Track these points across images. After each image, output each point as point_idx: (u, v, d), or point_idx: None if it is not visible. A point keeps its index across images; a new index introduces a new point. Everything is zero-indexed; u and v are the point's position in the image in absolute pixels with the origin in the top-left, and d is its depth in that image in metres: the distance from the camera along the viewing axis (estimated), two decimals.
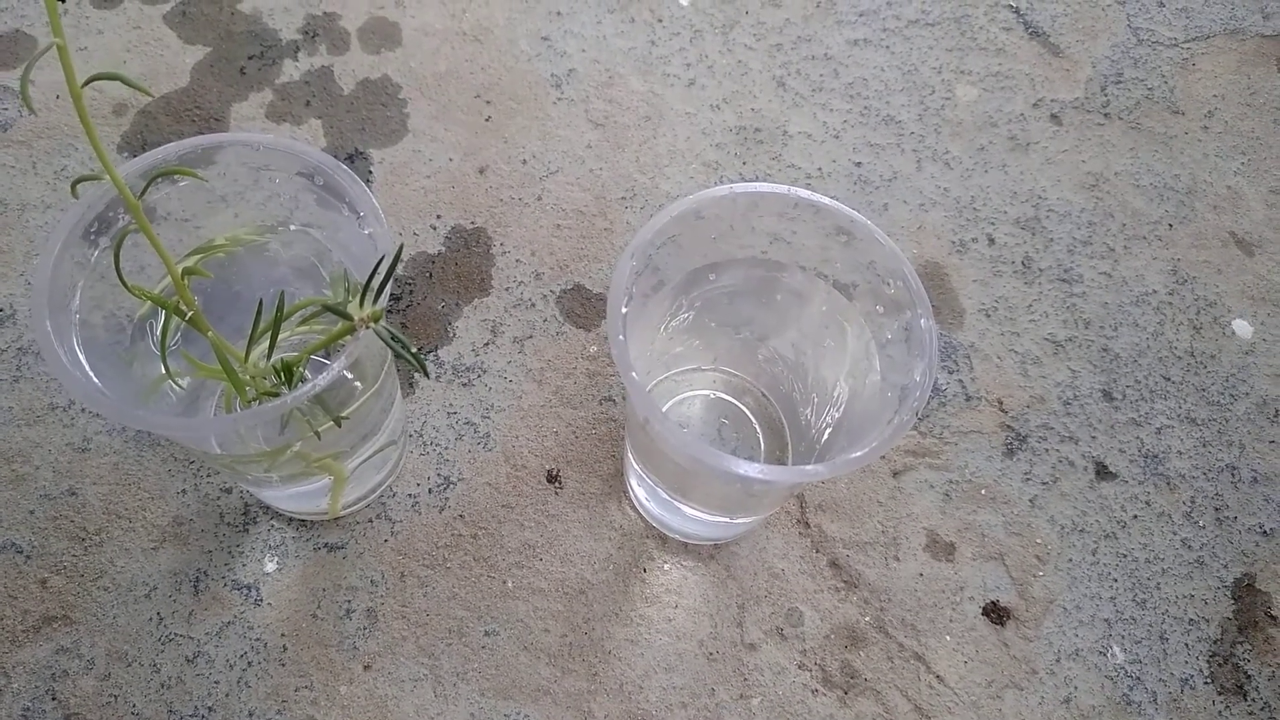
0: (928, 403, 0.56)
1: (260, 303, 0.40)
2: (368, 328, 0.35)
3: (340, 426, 0.40)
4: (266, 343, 0.40)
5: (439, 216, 0.58)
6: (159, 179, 0.41)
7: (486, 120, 0.62)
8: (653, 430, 0.36)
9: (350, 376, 0.43)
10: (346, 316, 0.35)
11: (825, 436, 0.45)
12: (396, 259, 0.35)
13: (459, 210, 0.59)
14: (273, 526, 0.50)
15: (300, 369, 0.42)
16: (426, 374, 0.36)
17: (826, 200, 0.40)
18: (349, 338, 0.36)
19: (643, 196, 0.61)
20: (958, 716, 0.48)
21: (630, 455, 0.49)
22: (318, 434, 0.40)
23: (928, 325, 0.37)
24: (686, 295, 0.44)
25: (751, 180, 0.62)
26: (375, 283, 0.35)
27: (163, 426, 0.35)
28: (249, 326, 0.39)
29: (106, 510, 0.50)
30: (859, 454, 0.35)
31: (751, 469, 0.34)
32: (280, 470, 0.43)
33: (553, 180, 0.60)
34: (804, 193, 0.40)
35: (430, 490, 0.51)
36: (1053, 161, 0.66)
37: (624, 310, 0.37)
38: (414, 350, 0.35)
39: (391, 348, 0.35)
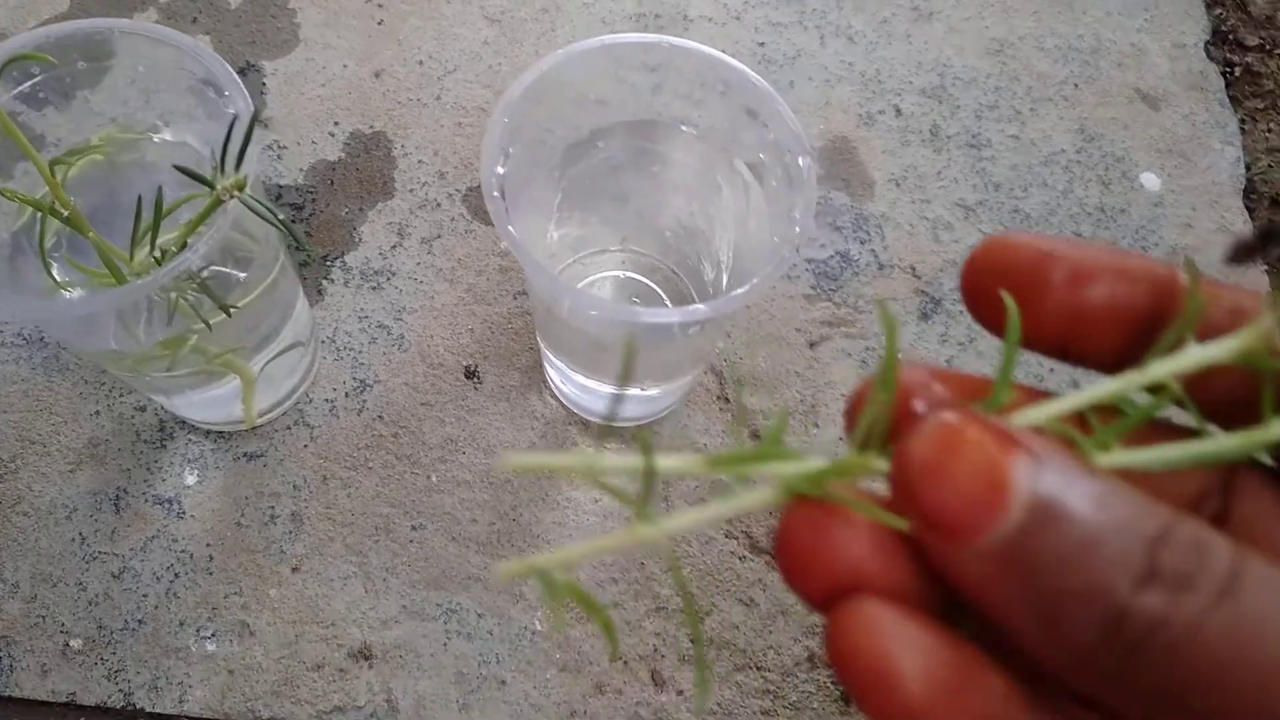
0: (841, 274, 0.56)
1: (139, 200, 0.40)
2: (232, 197, 0.34)
3: (230, 315, 0.39)
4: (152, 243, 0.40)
5: (336, 123, 0.57)
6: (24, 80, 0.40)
7: (379, 24, 0.61)
8: (531, 288, 0.36)
9: (234, 270, 0.42)
10: (208, 184, 0.34)
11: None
12: (253, 122, 0.34)
13: (357, 116, 0.58)
14: (190, 440, 0.49)
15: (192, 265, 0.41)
16: (301, 246, 0.35)
17: (701, 47, 0.40)
18: (219, 211, 0.35)
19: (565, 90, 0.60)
20: None
21: (539, 340, 0.48)
22: (207, 324, 0.39)
23: (806, 164, 0.37)
24: (567, 172, 0.44)
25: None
26: (236, 151, 0.34)
27: (48, 311, 0.34)
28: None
29: (20, 437, 0.49)
30: (740, 291, 0.35)
31: (626, 311, 0.34)
32: (182, 368, 0.43)
33: (451, 79, 0.59)
34: (676, 40, 0.39)
35: (347, 394, 0.51)
36: (956, 29, 0.66)
37: (500, 170, 0.37)
38: (281, 218, 0.35)
39: (260, 214, 0.34)
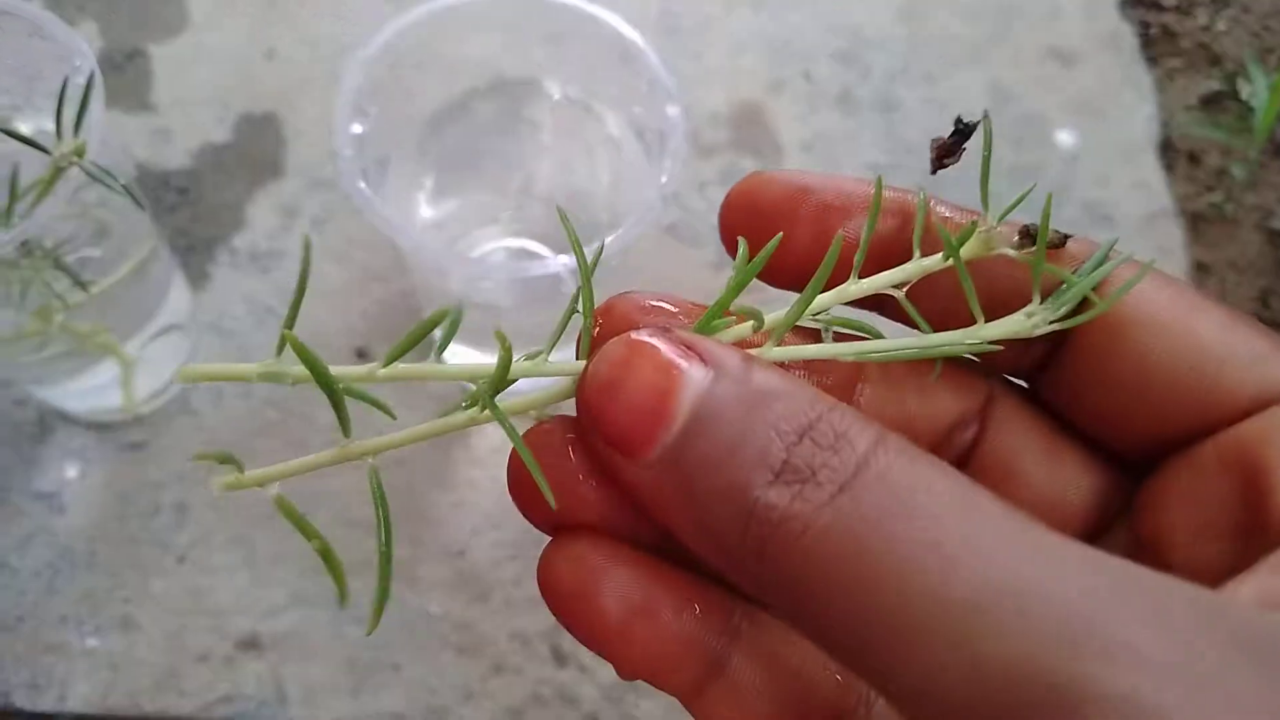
0: None
1: None
2: (71, 164, 0.33)
3: (86, 291, 0.38)
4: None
5: (226, 105, 0.56)
6: None
7: (272, 4, 0.59)
8: (410, 263, 0.35)
9: (98, 251, 0.41)
10: (43, 150, 0.32)
11: None
12: (90, 83, 0.33)
13: (247, 97, 0.56)
14: (72, 433, 0.48)
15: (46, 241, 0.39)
16: (142, 206, 0.34)
17: (572, 2, 0.39)
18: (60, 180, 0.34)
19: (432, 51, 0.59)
20: None
21: (425, 313, 0.47)
22: (63, 300, 0.38)
23: (674, 113, 0.36)
24: (439, 139, 0.43)
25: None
26: (78, 116, 0.33)
27: None
28: None
29: None
30: (608, 239, 0.34)
31: (473, 265, 0.33)
32: (54, 349, 0.41)
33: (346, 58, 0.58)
34: None
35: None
36: None
37: (357, 129, 0.35)
38: (124, 183, 0.33)
39: (100, 181, 0.33)
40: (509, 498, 0.48)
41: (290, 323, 0.17)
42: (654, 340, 0.16)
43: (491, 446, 0.49)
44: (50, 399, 0.47)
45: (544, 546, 0.19)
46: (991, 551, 0.13)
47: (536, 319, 0.43)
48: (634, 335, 0.16)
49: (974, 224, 0.19)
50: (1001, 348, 0.19)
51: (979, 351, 0.19)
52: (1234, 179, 0.62)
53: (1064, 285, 0.19)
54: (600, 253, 0.19)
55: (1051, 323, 0.19)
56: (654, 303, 0.19)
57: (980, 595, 0.13)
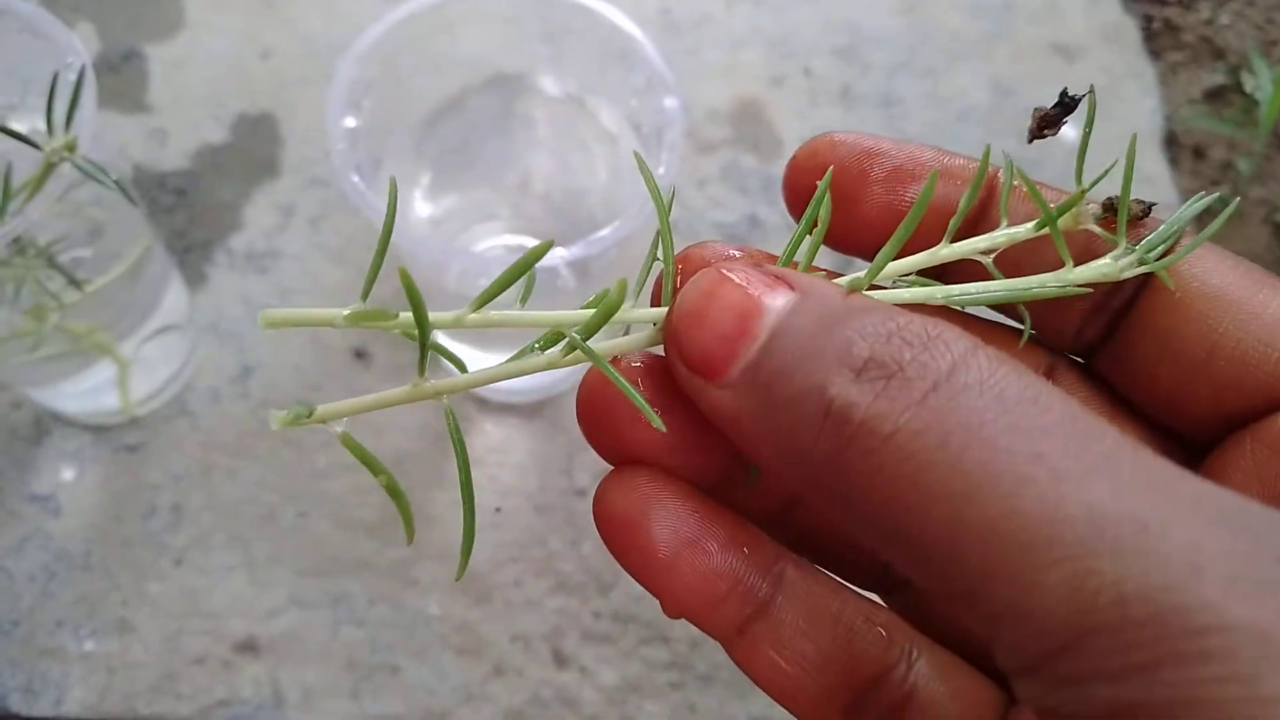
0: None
1: None
2: (62, 160, 0.32)
3: (80, 289, 0.38)
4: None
5: (222, 105, 0.56)
6: None
7: (267, 4, 0.59)
8: (408, 260, 0.34)
9: (90, 251, 0.40)
10: (34, 146, 0.32)
11: None
12: (81, 78, 0.32)
13: (243, 98, 0.56)
14: (67, 435, 0.47)
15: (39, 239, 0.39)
16: (134, 202, 0.33)
17: None
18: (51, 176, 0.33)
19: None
20: None
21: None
22: (57, 299, 0.37)
23: (671, 105, 0.36)
24: (435, 136, 0.42)
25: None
26: (68, 112, 0.33)
27: None
28: None
29: None
30: (604, 233, 0.33)
31: (462, 257, 0.32)
32: (49, 347, 0.41)
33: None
34: None
35: (231, 380, 0.49)
36: None
37: (351, 123, 0.35)
38: (116, 178, 0.33)
39: (91, 175, 0.33)
40: (508, 499, 0.47)
41: (379, 259, 0.18)
42: (742, 269, 0.16)
43: (490, 446, 0.49)
44: (46, 401, 0.47)
45: (601, 482, 0.19)
46: (1107, 473, 0.13)
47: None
48: (723, 267, 0.17)
49: (1081, 193, 0.19)
50: (1090, 289, 0.19)
51: (1066, 295, 0.19)
52: (1239, 173, 0.62)
53: (1146, 237, 0.19)
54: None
55: (1139, 265, 0.19)
56: (732, 252, 0.19)
57: (1095, 515, 0.12)
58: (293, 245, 0.52)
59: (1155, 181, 0.60)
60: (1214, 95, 0.66)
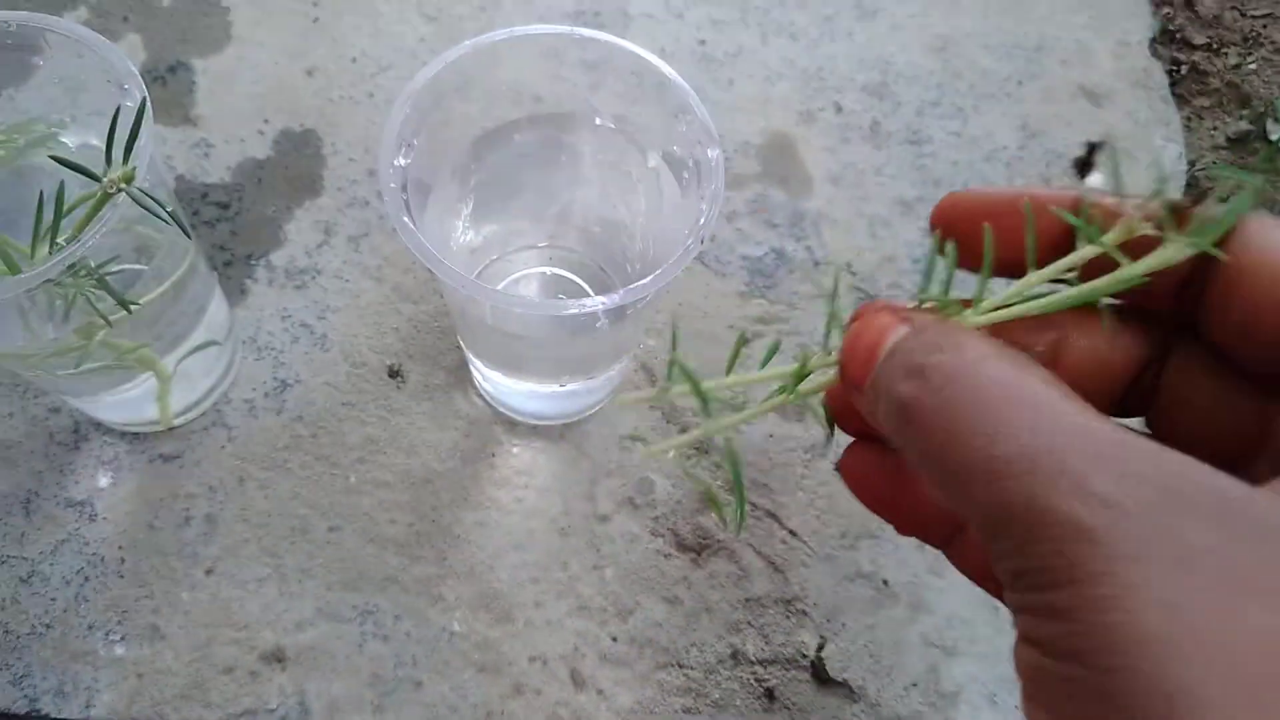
0: (776, 271, 0.56)
1: (41, 196, 0.39)
2: (120, 190, 0.33)
3: (130, 312, 0.39)
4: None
5: (266, 121, 0.57)
6: None
7: (314, 21, 0.60)
8: (442, 286, 0.35)
9: (141, 265, 0.41)
10: (94, 177, 0.33)
11: None
12: (142, 111, 0.33)
13: (287, 114, 0.57)
14: (105, 442, 0.49)
15: (90, 261, 0.40)
16: (188, 235, 0.34)
17: (611, 38, 0.39)
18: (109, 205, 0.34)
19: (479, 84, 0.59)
20: (811, 569, 0.48)
21: (459, 338, 0.48)
22: (106, 320, 0.38)
23: (714, 155, 0.37)
24: (480, 166, 0.43)
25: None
26: (127, 143, 0.34)
27: None
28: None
29: None
30: (644, 281, 0.34)
31: (516, 301, 0.33)
32: (93, 361, 0.42)
33: (385, 76, 0.59)
34: (586, 31, 0.39)
35: (267, 394, 0.50)
36: (900, 27, 0.66)
37: (401, 162, 0.36)
38: (170, 210, 0.34)
39: (146, 209, 0.34)
40: (532, 521, 0.48)
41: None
42: (877, 312, 0.23)
43: (516, 468, 0.50)
44: (85, 408, 0.48)
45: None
46: (1049, 422, 0.18)
47: (578, 351, 0.43)
48: (867, 311, 0.23)
49: (1124, 220, 0.22)
50: (1149, 279, 0.21)
51: (1135, 286, 0.22)
52: None
53: (1201, 221, 0.21)
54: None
55: (1186, 247, 0.21)
56: (887, 305, 0.24)
57: (1019, 453, 0.18)
58: (332, 263, 0.53)
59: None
60: (1238, 142, 0.67)
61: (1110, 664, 0.15)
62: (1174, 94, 0.66)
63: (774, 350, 0.27)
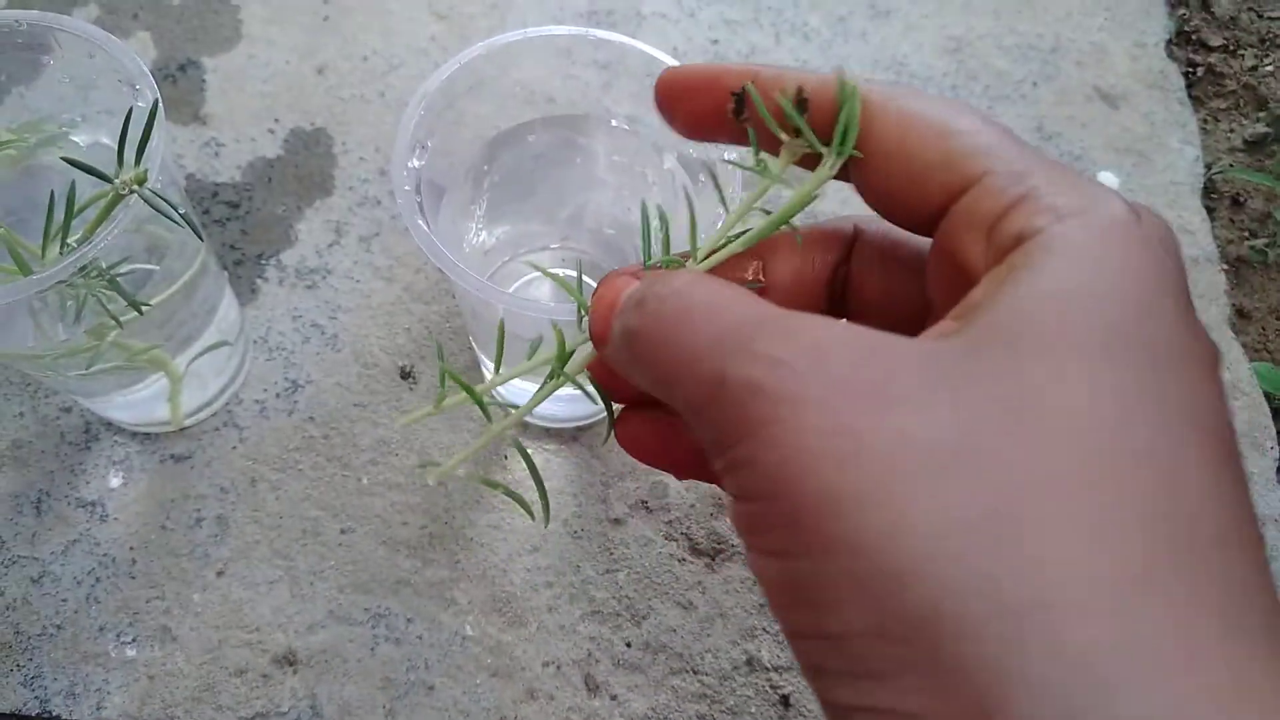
0: None
1: (52, 196, 0.39)
2: (132, 191, 0.33)
3: (141, 313, 0.38)
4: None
5: (277, 120, 0.56)
6: None
7: (324, 20, 0.60)
8: (454, 287, 0.35)
9: (152, 266, 0.41)
10: (106, 179, 0.33)
11: None
12: (154, 113, 0.33)
13: (298, 112, 0.57)
14: (116, 442, 0.48)
15: (102, 262, 0.40)
16: (200, 238, 0.34)
17: (623, 39, 0.39)
18: (121, 206, 0.34)
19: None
20: None
21: (471, 339, 0.47)
22: (117, 321, 0.38)
23: (731, 158, 0.36)
24: (494, 167, 0.43)
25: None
26: (140, 144, 0.33)
27: None
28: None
29: None
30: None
31: (513, 301, 0.33)
32: (104, 362, 0.42)
33: (395, 75, 0.59)
34: (600, 33, 0.39)
35: (278, 395, 0.50)
36: (914, 27, 0.65)
37: (415, 164, 0.36)
38: (183, 213, 0.34)
39: (159, 210, 0.33)
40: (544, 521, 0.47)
41: None
42: (611, 279, 0.25)
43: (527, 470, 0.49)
44: (96, 408, 0.48)
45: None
46: (720, 318, 0.21)
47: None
48: (602, 280, 0.25)
49: (785, 148, 0.24)
50: (817, 195, 0.24)
51: (802, 204, 0.24)
52: (1278, 225, 0.62)
53: (838, 128, 0.23)
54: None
55: (835, 161, 0.23)
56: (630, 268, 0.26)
57: (713, 341, 0.20)
58: (343, 263, 0.53)
59: (1193, 232, 0.60)
60: (1255, 144, 0.66)
61: (782, 490, 0.18)
62: (1190, 96, 0.66)
63: (539, 341, 0.29)
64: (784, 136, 0.24)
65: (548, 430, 0.50)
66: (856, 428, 0.18)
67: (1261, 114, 0.67)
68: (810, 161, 0.24)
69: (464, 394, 0.28)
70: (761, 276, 0.26)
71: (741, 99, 0.24)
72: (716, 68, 0.26)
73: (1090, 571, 0.16)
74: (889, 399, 0.18)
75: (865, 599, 0.17)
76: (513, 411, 0.28)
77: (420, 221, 0.34)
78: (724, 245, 0.26)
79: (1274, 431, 0.53)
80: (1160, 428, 0.18)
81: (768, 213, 0.25)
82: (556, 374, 0.27)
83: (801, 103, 0.23)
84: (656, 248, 0.27)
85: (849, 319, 0.26)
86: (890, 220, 0.24)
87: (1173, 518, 0.17)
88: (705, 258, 0.26)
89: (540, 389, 0.28)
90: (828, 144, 0.23)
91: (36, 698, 0.43)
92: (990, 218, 0.21)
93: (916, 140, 0.22)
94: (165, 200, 0.34)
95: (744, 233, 0.26)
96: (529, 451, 0.30)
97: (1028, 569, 0.16)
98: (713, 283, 0.22)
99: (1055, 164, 0.22)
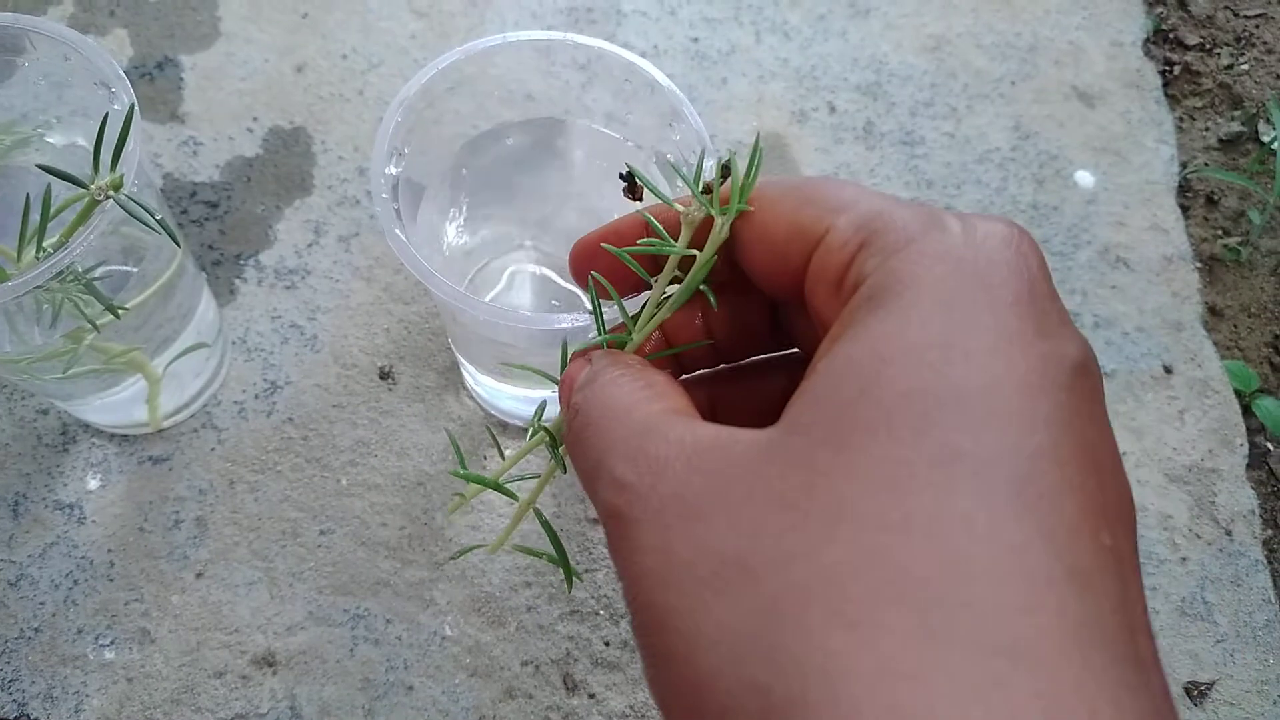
0: None
1: (27, 199, 0.38)
2: (108, 197, 0.33)
3: (118, 317, 0.38)
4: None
5: (255, 119, 0.56)
6: None
7: (303, 17, 0.60)
8: (432, 292, 0.35)
9: (129, 267, 0.41)
10: (81, 185, 0.33)
11: None
12: (130, 118, 0.33)
13: (276, 111, 0.57)
14: (94, 444, 0.48)
15: (78, 266, 0.40)
16: (178, 243, 0.34)
17: (603, 44, 0.39)
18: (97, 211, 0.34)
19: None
20: None
21: (451, 341, 0.48)
22: (94, 324, 0.38)
23: (709, 166, 0.37)
24: (472, 170, 0.43)
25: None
26: (115, 149, 0.33)
27: None
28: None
29: None
30: (645, 294, 0.34)
31: (497, 313, 0.33)
32: (82, 365, 0.41)
33: (375, 74, 0.58)
34: (580, 38, 0.39)
35: (257, 396, 0.50)
36: (894, 26, 0.65)
37: (392, 170, 0.36)
38: (159, 218, 0.34)
39: (135, 217, 0.33)
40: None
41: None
42: (576, 358, 0.26)
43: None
44: (74, 411, 0.48)
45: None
46: (605, 435, 0.22)
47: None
48: (574, 356, 0.27)
49: (683, 219, 0.25)
50: (717, 256, 0.25)
51: (705, 268, 0.25)
52: (1252, 223, 0.63)
53: (727, 204, 0.24)
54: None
55: (725, 226, 0.24)
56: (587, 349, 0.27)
57: (596, 461, 0.22)
58: (322, 263, 0.53)
59: (1167, 230, 0.60)
60: (1230, 143, 0.67)
61: (631, 605, 0.20)
62: (1166, 95, 0.66)
63: (540, 411, 0.31)
64: (679, 208, 0.25)
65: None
66: (671, 545, 0.19)
67: (1236, 113, 0.68)
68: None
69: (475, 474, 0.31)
70: (701, 322, 0.28)
71: (631, 179, 0.27)
72: (605, 227, 0.28)
73: (848, 665, 0.16)
74: (697, 512, 0.19)
75: (681, 708, 0.18)
76: (527, 491, 0.30)
77: (399, 231, 0.34)
78: (655, 316, 0.27)
79: (1244, 429, 0.54)
80: (940, 496, 0.17)
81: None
82: (555, 455, 0.29)
83: (697, 178, 0.25)
84: (596, 331, 0.28)
85: (797, 347, 0.28)
86: (774, 295, 0.25)
87: (945, 603, 0.16)
88: (643, 327, 0.27)
89: (549, 471, 0.29)
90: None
91: (14, 701, 0.43)
92: (837, 270, 0.21)
93: (772, 215, 0.23)
94: (141, 205, 0.34)
95: (667, 298, 0.27)
96: (543, 516, 0.32)
97: (790, 670, 0.17)
98: (624, 383, 0.23)
99: (911, 205, 0.22)
